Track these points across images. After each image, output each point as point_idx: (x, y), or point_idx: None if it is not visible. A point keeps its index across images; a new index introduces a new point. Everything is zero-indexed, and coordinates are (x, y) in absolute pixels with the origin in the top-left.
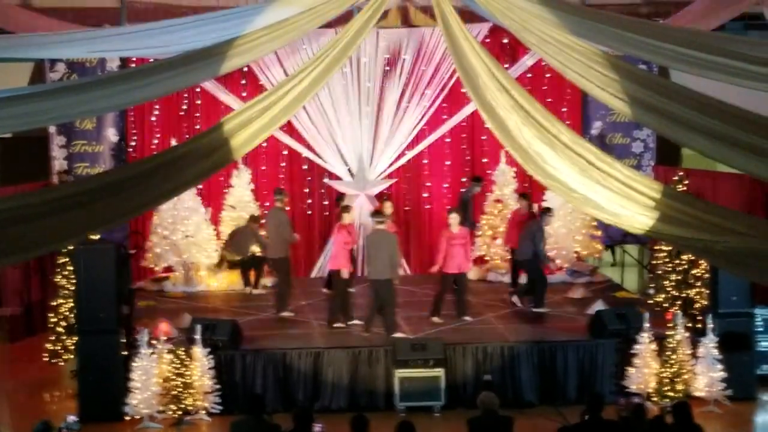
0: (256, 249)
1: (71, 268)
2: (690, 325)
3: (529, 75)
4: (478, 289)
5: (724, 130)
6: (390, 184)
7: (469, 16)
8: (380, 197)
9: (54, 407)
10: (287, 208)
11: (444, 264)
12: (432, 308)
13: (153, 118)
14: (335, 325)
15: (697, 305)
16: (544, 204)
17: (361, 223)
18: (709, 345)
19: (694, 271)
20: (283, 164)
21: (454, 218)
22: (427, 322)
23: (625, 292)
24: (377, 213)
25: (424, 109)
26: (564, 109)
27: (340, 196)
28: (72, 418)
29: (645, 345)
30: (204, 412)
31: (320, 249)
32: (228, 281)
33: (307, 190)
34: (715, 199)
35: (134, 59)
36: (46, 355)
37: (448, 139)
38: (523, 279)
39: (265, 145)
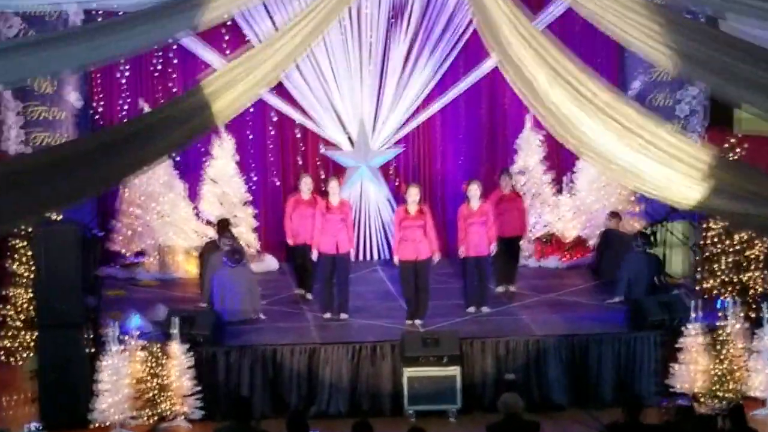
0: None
1: (29, 253)
2: (745, 314)
3: (558, 27)
4: None
5: None
6: (396, 154)
7: None
8: (403, 181)
9: (11, 413)
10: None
11: (462, 246)
12: (466, 299)
13: (122, 80)
14: (325, 315)
15: (753, 292)
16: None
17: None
18: (767, 338)
19: (749, 253)
20: (273, 131)
21: (473, 191)
22: (446, 312)
23: (669, 277)
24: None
25: (435, 67)
26: (598, 66)
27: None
28: (34, 425)
29: (692, 338)
30: (183, 417)
31: None
32: None
33: (300, 161)
34: None
35: (100, 12)
36: (1, 353)
37: (463, 101)
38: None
39: (251, 109)
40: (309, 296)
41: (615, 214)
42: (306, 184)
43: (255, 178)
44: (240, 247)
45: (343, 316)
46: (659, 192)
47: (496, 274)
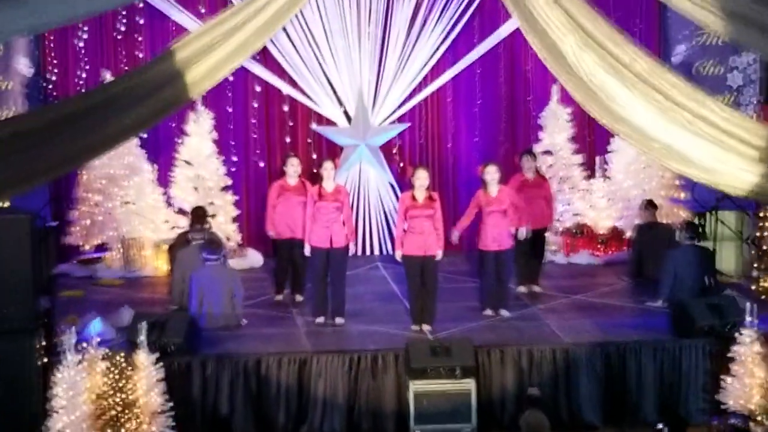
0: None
1: None
2: None
3: None
4: None
5: None
6: (400, 132)
7: None
8: (409, 163)
9: None
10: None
11: (479, 238)
12: (483, 300)
13: (80, 44)
14: (317, 320)
15: None
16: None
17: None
18: None
19: None
20: (256, 105)
21: (491, 174)
22: (459, 316)
23: (720, 275)
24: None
25: (446, 30)
26: (636, 30)
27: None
28: None
29: (747, 346)
30: None
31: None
32: None
33: (288, 140)
34: None
35: None
36: None
37: (479, 70)
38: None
39: (231, 79)
40: (299, 298)
41: (651, 204)
42: (293, 166)
43: (235, 160)
44: (216, 237)
45: (339, 321)
46: (708, 176)
47: (517, 272)
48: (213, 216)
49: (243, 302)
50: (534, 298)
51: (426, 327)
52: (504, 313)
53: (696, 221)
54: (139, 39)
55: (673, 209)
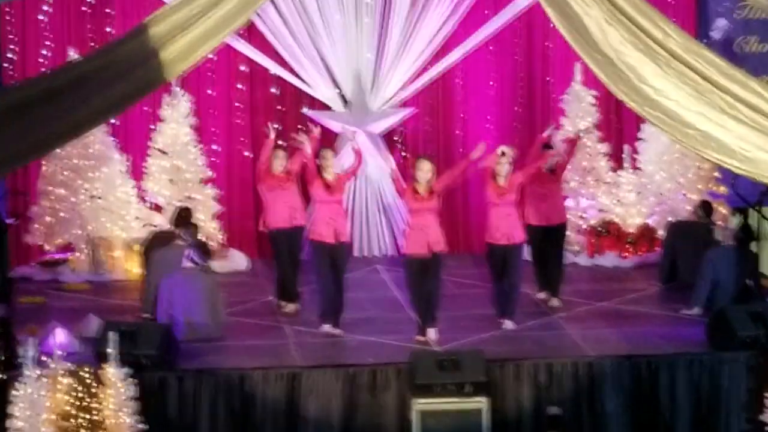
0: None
1: None
2: None
3: None
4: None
5: None
6: (404, 116)
7: None
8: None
9: None
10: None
11: (488, 231)
12: (498, 306)
13: (42, 18)
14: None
15: None
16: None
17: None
18: None
19: None
20: (241, 87)
21: (502, 161)
22: (469, 325)
23: (765, 279)
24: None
25: (455, 2)
26: (671, 1)
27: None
28: None
29: None
30: None
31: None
32: None
33: (278, 126)
34: None
35: None
36: None
37: (492, 48)
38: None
39: (214, 58)
40: (292, 308)
41: (707, 206)
42: (279, 159)
43: (217, 149)
44: (206, 244)
45: (335, 331)
46: (750, 167)
47: (537, 275)
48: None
49: (226, 310)
50: (553, 306)
51: (431, 335)
52: (508, 324)
53: (737, 220)
54: (110, 13)
55: (711, 204)
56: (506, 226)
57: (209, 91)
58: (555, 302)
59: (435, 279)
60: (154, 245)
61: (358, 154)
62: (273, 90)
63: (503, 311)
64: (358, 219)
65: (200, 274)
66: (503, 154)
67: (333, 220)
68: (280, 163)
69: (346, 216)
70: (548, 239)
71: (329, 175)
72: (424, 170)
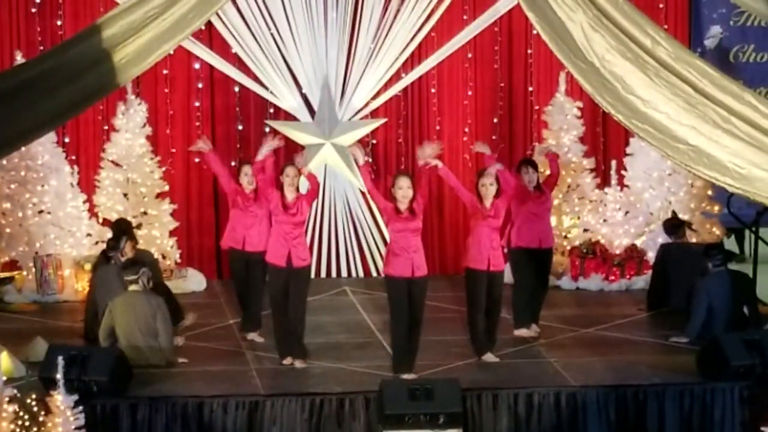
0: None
1: None
2: None
3: None
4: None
5: None
6: (374, 128)
7: None
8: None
9: None
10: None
11: (466, 256)
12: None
13: None
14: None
15: None
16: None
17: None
18: None
19: None
20: (200, 94)
21: (486, 183)
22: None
23: (761, 305)
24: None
25: (430, 5)
26: (661, 5)
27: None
28: None
29: None
30: None
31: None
32: None
33: (238, 138)
34: None
35: None
36: None
37: (470, 55)
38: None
39: (169, 63)
40: (256, 338)
41: (679, 225)
42: (246, 176)
43: (174, 162)
44: (143, 256)
45: (297, 363)
46: (745, 185)
47: (518, 310)
48: (139, 226)
49: (184, 334)
50: (535, 333)
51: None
52: (489, 357)
53: (725, 240)
54: (59, 13)
55: (705, 225)
56: (489, 250)
57: (166, 98)
58: (534, 328)
59: (419, 309)
60: (102, 262)
61: (312, 180)
62: (234, 99)
63: (484, 348)
64: (326, 238)
65: (143, 296)
66: (485, 175)
67: (287, 242)
68: (249, 180)
69: (303, 239)
70: (535, 263)
71: (290, 194)
72: (404, 187)
